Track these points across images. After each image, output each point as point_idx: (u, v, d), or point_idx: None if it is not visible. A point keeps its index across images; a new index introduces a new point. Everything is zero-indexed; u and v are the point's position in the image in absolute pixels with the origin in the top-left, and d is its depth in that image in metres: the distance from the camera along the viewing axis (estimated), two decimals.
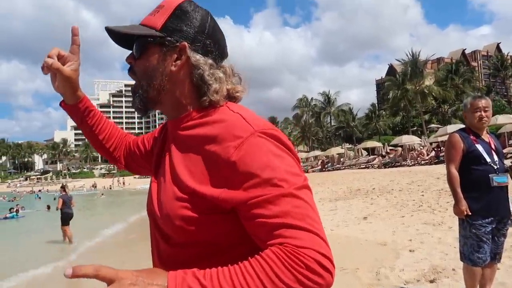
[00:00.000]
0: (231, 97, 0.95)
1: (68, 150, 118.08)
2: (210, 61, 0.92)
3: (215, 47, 0.94)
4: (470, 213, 3.09)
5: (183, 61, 0.91)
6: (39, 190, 57.32)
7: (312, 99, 72.59)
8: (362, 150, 38.55)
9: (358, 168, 30.17)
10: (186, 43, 0.90)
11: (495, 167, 3.11)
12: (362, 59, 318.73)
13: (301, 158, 46.37)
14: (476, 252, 3.08)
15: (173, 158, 0.93)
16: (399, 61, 50.00)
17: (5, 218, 18.83)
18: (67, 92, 1.13)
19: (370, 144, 39.60)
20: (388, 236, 6.70)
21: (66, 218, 10.06)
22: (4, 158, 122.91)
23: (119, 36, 0.95)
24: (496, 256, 3.21)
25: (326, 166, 35.10)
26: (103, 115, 1.28)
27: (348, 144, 63.60)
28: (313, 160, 44.46)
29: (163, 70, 0.91)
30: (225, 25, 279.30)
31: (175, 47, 0.91)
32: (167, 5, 0.94)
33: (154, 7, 0.98)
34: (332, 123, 71.92)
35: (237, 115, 0.87)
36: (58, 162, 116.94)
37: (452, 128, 22.23)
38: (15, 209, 20.06)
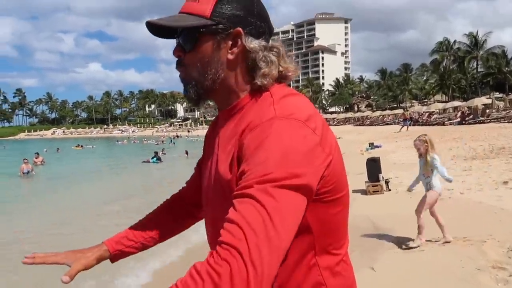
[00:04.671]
0: (283, 77, 0.92)
1: (209, 102, 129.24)
2: (263, 43, 0.89)
3: (265, 25, 0.91)
4: None
5: (240, 48, 0.88)
6: (177, 136, 64.13)
7: (454, 42, 64.23)
8: None
9: (508, 122, 25.98)
10: (240, 28, 0.87)
11: None
12: None
13: (438, 109, 41.88)
14: None
15: (221, 145, 0.94)
16: None
17: (148, 162, 21.75)
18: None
19: None
20: None
21: None
22: (153, 106, 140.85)
23: (161, 29, 0.91)
24: None
25: (466, 118, 31.14)
26: (147, 222, 1.18)
27: (498, 93, 55.10)
28: (451, 111, 39.85)
29: (219, 59, 0.89)
30: None
31: (228, 34, 0.87)
32: None
33: None
34: (479, 69, 62.65)
35: (270, 100, 0.86)
36: (196, 110, 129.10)
37: None
38: (159, 153, 23.03)
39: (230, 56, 0.89)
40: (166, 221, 1.17)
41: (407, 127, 28.22)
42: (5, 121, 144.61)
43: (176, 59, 0.93)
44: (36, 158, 22.37)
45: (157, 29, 0.93)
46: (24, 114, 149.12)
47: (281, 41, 0.94)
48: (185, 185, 1.24)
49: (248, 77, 0.90)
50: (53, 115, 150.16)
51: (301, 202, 0.76)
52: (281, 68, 0.91)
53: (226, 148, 0.89)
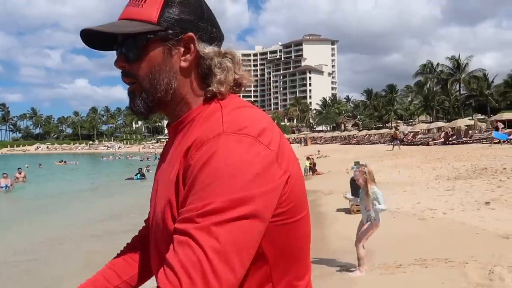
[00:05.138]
0: (237, 85, 0.86)
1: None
2: (216, 48, 0.83)
3: (217, 30, 0.85)
4: None
5: (194, 54, 0.81)
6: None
7: (438, 64, 65.75)
8: (497, 123, 33.63)
9: (490, 143, 26.48)
10: (192, 33, 0.80)
11: None
12: (499, 17, 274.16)
13: (422, 129, 42.52)
14: None
15: (166, 168, 0.86)
16: None
17: (131, 179, 21.41)
18: None
19: (507, 115, 34.25)
20: None
21: None
22: (140, 123, 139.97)
23: (97, 38, 0.83)
24: None
25: (450, 139, 31.65)
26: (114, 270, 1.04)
27: (480, 115, 56.33)
28: (435, 131, 40.52)
29: (171, 67, 0.81)
30: None
31: (179, 40, 0.80)
32: None
33: None
34: (462, 92, 64.18)
35: (219, 113, 0.78)
36: None
37: None
38: (143, 170, 22.62)
39: (183, 64, 0.81)
40: (131, 267, 1.03)
41: (399, 146, 28.87)
42: None
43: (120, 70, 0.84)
44: (19, 173, 21.66)
45: (94, 40, 0.84)
46: (7, 129, 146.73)
47: (234, 50, 0.87)
48: (144, 224, 1.12)
49: (202, 85, 0.83)
50: (37, 131, 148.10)
51: (252, 233, 0.68)
52: (236, 75, 0.84)
53: (171, 169, 0.79)
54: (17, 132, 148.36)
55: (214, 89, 0.81)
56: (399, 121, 78.89)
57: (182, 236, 0.67)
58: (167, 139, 1.00)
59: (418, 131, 42.16)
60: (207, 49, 0.81)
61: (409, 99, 79.77)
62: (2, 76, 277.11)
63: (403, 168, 15.92)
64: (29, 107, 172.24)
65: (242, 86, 0.87)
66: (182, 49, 0.81)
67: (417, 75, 68.12)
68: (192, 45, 0.80)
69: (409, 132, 43.41)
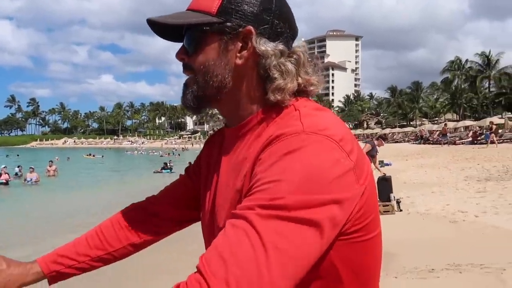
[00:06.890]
0: (303, 92, 0.77)
1: (213, 113, 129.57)
2: (280, 46, 0.73)
3: (285, 26, 0.75)
4: None
5: (250, 51, 0.74)
6: (183, 148, 65.76)
7: (466, 61, 63.71)
8: None
9: None
10: (251, 27, 0.73)
11: None
12: None
13: (449, 128, 41.47)
14: None
15: (225, 173, 0.81)
16: None
17: (160, 172, 21.98)
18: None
19: None
20: None
21: None
22: (163, 118, 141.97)
23: (164, 28, 0.79)
24: None
25: (478, 138, 30.68)
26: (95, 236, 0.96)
27: (510, 113, 54.45)
28: (462, 130, 39.44)
29: (226, 63, 0.75)
30: None
31: (238, 34, 0.73)
32: None
33: None
34: (491, 89, 62.12)
35: (296, 113, 0.71)
36: (205, 123, 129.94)
37: None
38: (168, 165, 22.91)
39: (238, 61, 0.74)
40: (119, 240, 0.95)
41: (448, 144, 28.65)
42: (18, 129, 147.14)
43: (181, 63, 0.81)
44: (49, 166, 21.26)
45: (163, 30, 0.80)
46: (37, 123, 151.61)
47: (305, 46, 0.78)
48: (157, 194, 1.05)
49: (262, 88, 0.76)
50: (65, 125, 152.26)
51: (312, 244, 0.60)
52: (300, 80, 0.75)
53: (236, 178, 0.74)
54: (46, 126, 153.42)
55: (271, 97, 0.73)
56: (424, 119, 77.18)
57: (238, 220, 0.59)
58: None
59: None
60: (265, 46, 0.72)
61: (435, 96, 77.79)
62: (32, 71, 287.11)
63: (429, 168, 15.53)
64: (58, 102, 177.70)
65: (309, 93, 0.77)
66: (239, 45, 0.74)
67: (444, 72, 66.24)
68: (249, 40, 0.73)
69: (435, 130, 42.36)
